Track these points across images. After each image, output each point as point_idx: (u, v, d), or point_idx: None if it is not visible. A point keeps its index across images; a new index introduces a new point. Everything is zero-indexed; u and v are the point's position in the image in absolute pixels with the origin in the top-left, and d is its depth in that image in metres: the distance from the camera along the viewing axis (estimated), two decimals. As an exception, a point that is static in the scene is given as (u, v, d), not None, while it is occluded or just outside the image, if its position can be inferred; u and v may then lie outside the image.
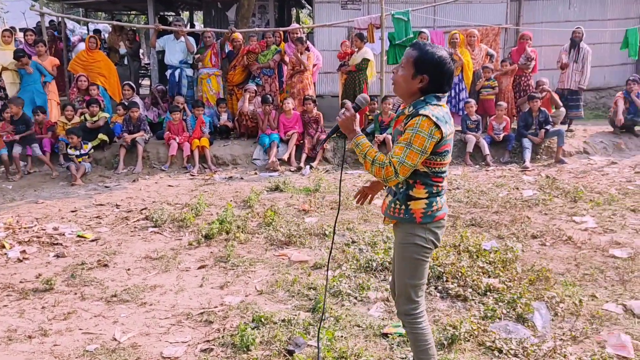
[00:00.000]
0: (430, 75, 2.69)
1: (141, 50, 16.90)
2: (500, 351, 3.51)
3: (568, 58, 10.20)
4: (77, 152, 8.61)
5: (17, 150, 8.66)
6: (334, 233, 3.43)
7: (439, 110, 2.66)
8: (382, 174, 2.64)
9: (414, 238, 2.78)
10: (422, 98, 2.73)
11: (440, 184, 2.78)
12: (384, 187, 3.02)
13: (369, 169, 2.71)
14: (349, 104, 2.88)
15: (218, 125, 9.95)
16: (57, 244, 5.76)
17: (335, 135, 2.99)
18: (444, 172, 2.78)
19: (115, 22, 13.84)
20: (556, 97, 9.94)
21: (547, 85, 9.95)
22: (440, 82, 2.71)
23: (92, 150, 8.94)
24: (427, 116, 2.61)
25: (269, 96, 9.71)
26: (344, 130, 2.81)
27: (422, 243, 2.78)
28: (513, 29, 12.44)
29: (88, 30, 16.03)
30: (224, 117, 10.05)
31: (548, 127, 9.32)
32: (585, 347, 3.60)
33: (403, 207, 2.79)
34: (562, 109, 9.88)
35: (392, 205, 2.84)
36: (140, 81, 15.25)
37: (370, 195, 3.25)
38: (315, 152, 9.30)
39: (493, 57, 10.58)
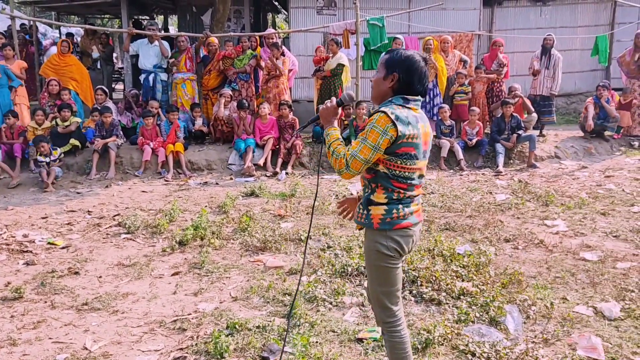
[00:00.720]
0: (400, 72, 2.71)
1: (114, 54, 16.69)
2: (473, 354, 3.53)
3: (540, 65, 10.37)
4: (47, 159, 8.45)
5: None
6: (308, 238, 3.42)
7: (402, 111, 2.67)
8: (337, 165, 2.70)
9: (375, 245, 2.75)
10: (390, 99, 2.75)
11: (402, 191, 2.72)
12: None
13: (330, 158, 2.75)
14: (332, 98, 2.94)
15: (193, 130, 9.88)
16: (26, 251, 5.64)
17: (310, 124, 3.02)
18: (408, 178, 2.72)
19: (87, 26, 13.68)
20: (528, 102, 10.10)
21: (519, 91, 10.10)
22: (410, 80, 2.72)
23: (62, 155, 8.80)
24: (384, 112, 2.63)
25: (244, 101, 9.68)
26: (323, 119, 2.85)
27: (383, 250, 2.73)
28: (486, 36, 12.63)
29: (60, 34, 15.79)
30: (199, 122, 9.98)
31: (520, 132, 9.47)
32: (556, 349, 3.65)
33: (365, 211, 2.79)
34: (534, 115, 10.04)
35: (358, 210, 2.85)
36: (113, 85, 15.07)
37: (349, 209, 3.19)
38: (290, 157, 9.29)
39: (467, 63, 10.72)
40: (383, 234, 2.73)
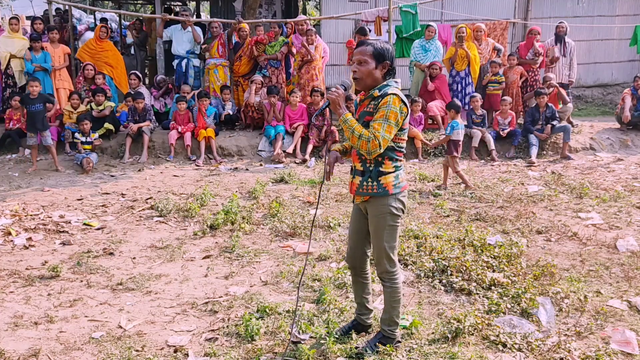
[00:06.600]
0: (390, 61, 3.18)
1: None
2: (504, 345, 3.52)
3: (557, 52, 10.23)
4: (84, 139, 8.62)
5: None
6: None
7: (400, 91, 3.17)
8: (368, 147, 3.06)
9: (388, 208, 3.23)
10: (384, 83, 3.19)
11: (401, 159, 3.26)
12: (342, 162, 3.48)
13: (355, 142, 3.11)
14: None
15: (223, 115, 9.90)
16: (63, 231, 5.79)
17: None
18: (402, 147, 3.26)
19: (122, 12, 13.82)
20: (563, 92, 9.89)
21: (554, 80, 9.90)
22: (393, 65, 3.23)
23: (100, 140, 8.91)
24: (396, 94, 3.10)
25: (274, 87, 9.69)
26: (333, 106, 3.20)
27: (395, 212, 3.24)
28: (521, 24, 12.38)
29: (95, 19, 16.01)
30: (229, 106, 10.01)
31: (554, 122, 9.28)
32: (589, 342, 3.60)
33: (375, 183, 3.22)
34: (570, 105, 9.84)
35: (365, 183, 3.25)
36: (146, 71, 15.22)
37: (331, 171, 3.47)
38: (322, 142, 9.28)
39: (500, 51, 10.54)
40: (394, 197, 3.23)
